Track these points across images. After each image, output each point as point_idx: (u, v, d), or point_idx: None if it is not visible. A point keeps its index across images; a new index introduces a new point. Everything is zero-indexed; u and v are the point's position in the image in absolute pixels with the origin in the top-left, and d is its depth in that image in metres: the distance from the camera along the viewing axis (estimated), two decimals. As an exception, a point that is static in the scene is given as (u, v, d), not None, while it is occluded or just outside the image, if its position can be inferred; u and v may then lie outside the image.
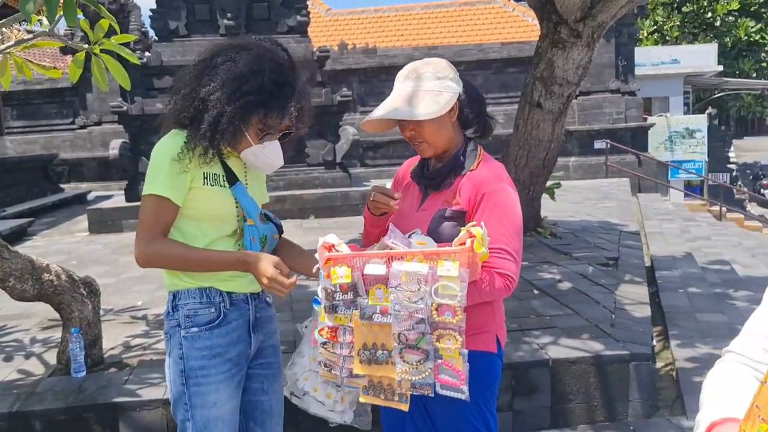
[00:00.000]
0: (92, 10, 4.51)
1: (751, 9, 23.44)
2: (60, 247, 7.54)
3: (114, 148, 8.89)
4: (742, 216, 14.46)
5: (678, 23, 23.22)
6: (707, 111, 21.89)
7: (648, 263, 6.51)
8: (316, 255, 1.77)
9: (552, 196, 7.34)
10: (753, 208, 20.06)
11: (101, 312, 3.70)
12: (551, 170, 6.03)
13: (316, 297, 1.84)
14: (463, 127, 1.99)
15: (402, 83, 1.95)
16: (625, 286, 4.92)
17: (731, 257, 7.70)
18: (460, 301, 1.60)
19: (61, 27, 14.47)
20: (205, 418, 1.90)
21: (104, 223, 8.49)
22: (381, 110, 1.94)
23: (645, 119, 15.52)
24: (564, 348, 3.58)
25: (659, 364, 4.16)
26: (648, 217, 9.79)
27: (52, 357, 3.70)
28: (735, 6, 22.98)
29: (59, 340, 3.87)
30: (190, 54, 9.09)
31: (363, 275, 1.68)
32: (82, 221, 9.21)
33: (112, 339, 3.90)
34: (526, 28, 17.11)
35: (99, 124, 14.38)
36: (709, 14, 23.04)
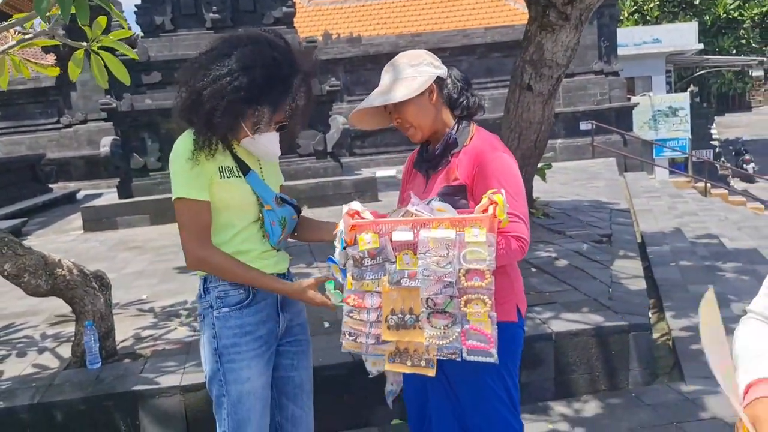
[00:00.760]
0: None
1: (729, -14, 23.66)
2: (56, 246, 7.55)
3: (105, 146, 8.88)
4: (727, 191, 14.70)
5: (658, 2, 23.39)
6: (689, 89, 22.14)
7: (639, 239, 6.65)
8: (341, 222, 1.84)
9: (543, 177, 7.46)
10: (736, 183, 20.36)
11: (110, 305, 3.77)
12: (542, 152, 6.13)
13: (330, 256, 1.92)
14: (452, 108, 2.09)
15: (382, 77, 2.08)
16: (620, 261, 5.05)
17: (718, 231, 7.88)
18: (489, 264, 1.68)
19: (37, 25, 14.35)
20: (238, 392, 2.00)
21: (99, 220, 8.50)
22: (363, 103, 2.05)
23: (629, 99, 15.68)
24: (565, 322, 3.69)
25: (655, 335, 4.29)
26: (636, 195, 9.95)
27: (64, 351, 3.77)
28: (713, -17, 23.21)
29: (69, 334, 3.95)
30: (177, 49, 9.10)
31: (391, 241, 1.75)
32: (75, 220, 9.22)
33: (122, 332, 3.96)
34: (509, 12, 17.18)
35: (84, 122, 14.31)
36: (688, -8, 23.24)
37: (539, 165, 6.80)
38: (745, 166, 21.68)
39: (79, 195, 12.33)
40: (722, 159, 23.14)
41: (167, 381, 3.26)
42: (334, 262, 1.90)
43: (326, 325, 3.86)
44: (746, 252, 6.59)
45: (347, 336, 1.85)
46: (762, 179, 18.33)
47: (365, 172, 10.24)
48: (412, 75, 2.01)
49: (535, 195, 7.05)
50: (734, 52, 23.93)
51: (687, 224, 8.10)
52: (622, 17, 22.52)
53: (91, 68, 3.70)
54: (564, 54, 5.35)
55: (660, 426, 3.16)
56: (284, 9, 9.47)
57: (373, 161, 13.84)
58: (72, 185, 13.44)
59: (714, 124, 28.01)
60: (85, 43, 3.71)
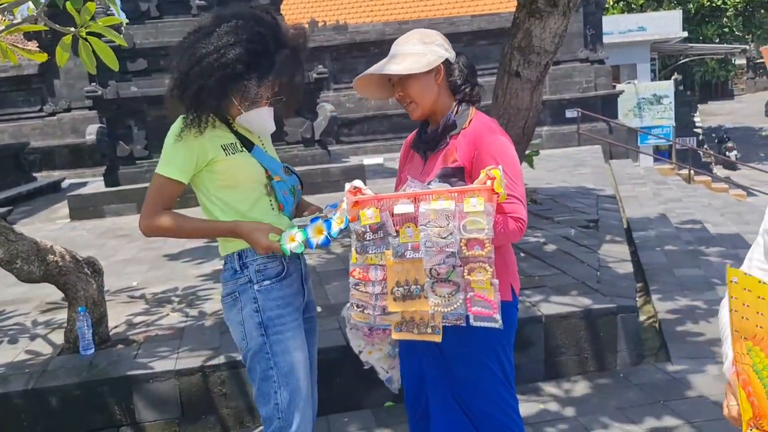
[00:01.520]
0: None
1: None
2: (43, 234, 7.48)
3: (91, 134, 8.81)
4: (710, 178, 14.87)
5: (642, -9, 23.49)
6: (673, 77, 22.29)
7: (625, 225, 6.73)
8: (344, 199, 1.88)
9: (531, 164, 7.51)
10: (719, 171, 20.58)
11: (101, 292, 3.77)
12: (531, 138, 6.16)
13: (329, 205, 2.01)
14: (454, 93, 2.11)
15: (392, 49, 2.10)
16: (607, 246, 5.12)
17: (702, 217, 7.99)
18: (488, 233, 1.73)
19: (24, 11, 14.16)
20: (289, 363, 2.04)
21: (85, 209, 8.45)
22: (369, 70, 2.07)
23: (614, 87, 15.77)
24: (555, 305, 3.75)
25: (642, 317, 4.37)
26: (621, 182, 10.05)
27: (57, 337, 3.77)
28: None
29: (61, 321, 3.94)
30: (163, 36, 9.02)
31: (392, 215, 1.80)
32: (61, 208, 9.15)
33: (114, 318, 3.96)
34: (495, 0, 17.16)
35: (68, 110, 14.14)
36: (672, -19, 23.36)
37: (527, 152, 6.84)
38: (727, 153, 21.92)
39: (64, 184, 12.23)
40: (705, 146, 23.36)
41: (161, 366, 3.28)
42: (333, 207, 1.96)
43: (318, 309, 3.89)
44: (729, 237, 6.71)
45: (355, 307, 1.91)
46: (744, 166, 18.56)
47: (353, 160, 10.24)
48: (423, 51, 2.03)
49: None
50: (717, 40, 24.09)
51: (672, 210, 8.21)
52: (607, 5, 22.55)
53: (80, 54, 3.68)
54: (552, 41, 5.37)
55: (647, 405, 3.24)
56: (271, -5, 9.40)
57: (360, 149, 13.83)
58: (56, 174, 13.30)
59: (697, 112, 28.26)
60: (73, 29, 3.69)
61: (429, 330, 1.83)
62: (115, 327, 3.87)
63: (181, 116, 2.02)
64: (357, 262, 1.86)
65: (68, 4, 3.84)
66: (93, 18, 3.71)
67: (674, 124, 18.38)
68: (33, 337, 3.87)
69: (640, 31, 19.13)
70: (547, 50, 5.46)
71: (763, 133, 29.05)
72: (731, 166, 21.06)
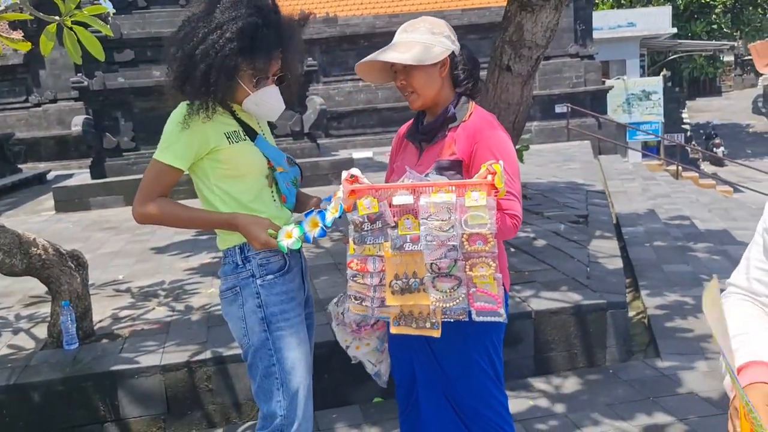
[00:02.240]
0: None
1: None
2: (28, 226, 7.38)
3: (77, 125, 8.70)
4: (697, 175, 14.95)
5: (632, -14, 23.51)
6: (662, 73, 22.35)
7: (614, 220, 6.74)
8: (340, 188, 1.84)
9: (521, 159, 7.49)
10: (706, 167, 20.71)
11: (86, 286, 3.71)
12: (521, 133, 6.15)
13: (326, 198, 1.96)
14: (455, 86, 2.08)
15: (399, 35, 2.04)
16: (597, 241, 5.11)
17: (690, 213, 8.03)
18: (490, 228, 1.69)
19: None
20: (291, 359, 2.00)
21: (71, 201, 8.35)
22: (376, 55, 2.02)
23: (603, 82, 15.79)
24: (545, 300, 3.74)
25: (631, 313, 4.37)
26: (610, 177, 10.07)
27: (40, 332, 3.70)
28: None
29: (45, 315, 3.88)
30: (151, 26, 8.91)
31: (390, 205, 1.76)
32: (46, 200, 9.04)
33: (99, 312, 3.90)
34: (486, -6, 17.10)
35: (54, 101, 13.98)
36: (662, -23, 23.39)
37: (517, 146, 6.82)
38: (714, 149, 22.06)
39: (50, 175, 12.09)
40: (693, 143, 23.51)
41: (147, 361, 3.23)
42: (328, 200, 1.93)
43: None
44: (717, 233, 6.74)
45: (353, 299, 1.86)
46: (731, 163, 18.67)
47: (342, 154, 10.19)
48: (431, 42, 1.98)
49: (512, 176, 7.09)
50: (706, 37, 24.18)
51: (660, 206, 8.24)
52: (597, 0, 22.61)
53: (64, 44, 3.61)
54: (543, 35, 5.35)
55: (637, 401, 3.23)
56: (260, -13, 9.31)
57: (350, 142, 13.77)
58: (42, 165, 13.15)
59: (685, 108, 28.40)
60: (58, 18, 3.61)
61: (428, 325, 1.79)
62: (100, 321, 3.81)
63: (184, 102, 1.96)
64: (355, 253, 1.82)
65: (53, -7, 3.77)
66: (79, 7, 3.64)
67: (663, 120, 18.46)
68: (16, 332, 3.81)
69: (630, 26, 19.17)
70: (539, 44, 5.43)
71: (750, 130, 29.26)
72: (718, 162, 21.19)
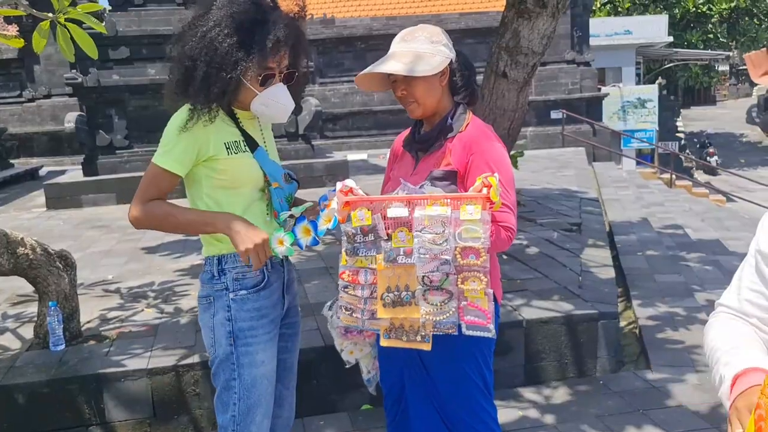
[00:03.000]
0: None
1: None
2: (18, 223, 7.35)
3: (70, 122, 8.67)
4: (691, 183, 14.99)
5: (629, -6, 23.57)
6: (657, 81, 22.40)
7: (607, 229, 6.74)
8: (335, 199, 1.81)
9: (515, 165, 7.48)
10: (699, 176, 20.76)
11: (75, 286, 3.67)
12: (516, 139, 6.14)
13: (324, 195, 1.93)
14: (452, 94, 2.06)
15: (398, 44, 2.02)
16: (589, 250, 5.11)
17: (683, 222, 8.04)
18: (484, 243, 1.68)
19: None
20: (253, 376, 1.97)
21: (62, 198, 8.29)
22: (377, 66, 1.99)
23: (599, 89, 15.83)
24: (536, 309, 3.72)
25: (622, 323, 4.36)
26: (604, 185, 10.08)
27: (26, 332, 3.66)
28: (683, -22, 23.45)
29: (32, 315, 3.84)
30: (146, 24, 8.86)
31: (385, 218, 1.74)
32: (38, 197, 8.98)
33: (87, 313, 3.87)
34: (483, -2, 17.12)
35: (48, 97, 13.92)
36: (659, -15, 23.47)
37: (512, 152, 6.82)
38: (708, 158, 22.10)
39: (42, 171, 12.03)
40: (687, 151, 23.57)
41: (134, 364, 3.20)
42: (325, 199, 1.90)
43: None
44: (709, 243, 6.74)
45: (344, 310, 1.85)
46: (724, 172, 18.74)
47: (337, 156, 10.16)
48: (431, 51, 1.97)
49: (506, 182, 7.08)
50: (702, 46, 24.27)
51: (653, 214, 8.24)
52: (594, 7, 22.65)
53: (57, 41, 3.57)
54: (540, 42, 5.34)
55: (627, 413, 3.21)
56: (258, -13, 9.28)
57: (344, 144, 13.74)
58: (34, 161, 13.09)
59: (680, 117, 28.48)
60: (51, 14, 3.58)
61: (418, 338, 1.78)
62: (88, 322, 3.77)
63: (186, 105, 1.92)
64: (347, 264, 1.80)
65: (47, -10, 3.73)
66: (74, 4, 3.60)
67: (657, 129, 18.50)
68: (2, 331, 3.76)
69: (626, 34, 19.21)
70: (535, 51, 5.42)
71: (744, 140, 29.39)
72: (712, 171, 21.23)
